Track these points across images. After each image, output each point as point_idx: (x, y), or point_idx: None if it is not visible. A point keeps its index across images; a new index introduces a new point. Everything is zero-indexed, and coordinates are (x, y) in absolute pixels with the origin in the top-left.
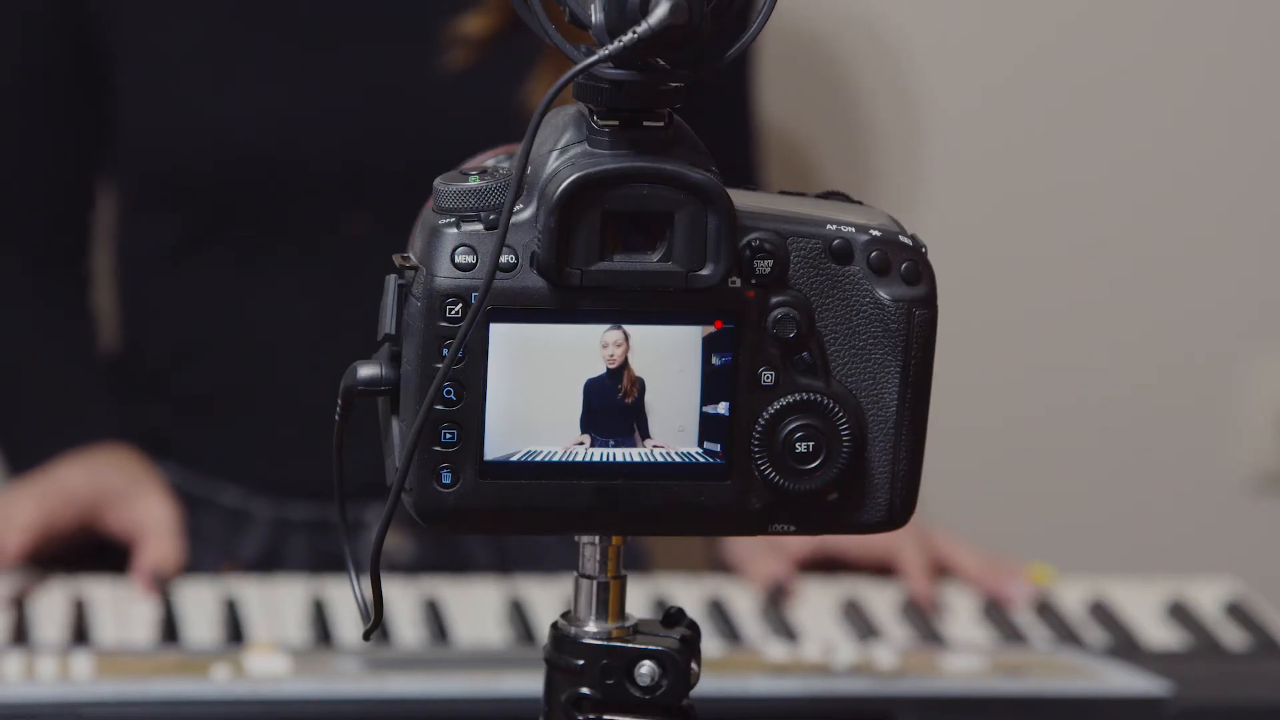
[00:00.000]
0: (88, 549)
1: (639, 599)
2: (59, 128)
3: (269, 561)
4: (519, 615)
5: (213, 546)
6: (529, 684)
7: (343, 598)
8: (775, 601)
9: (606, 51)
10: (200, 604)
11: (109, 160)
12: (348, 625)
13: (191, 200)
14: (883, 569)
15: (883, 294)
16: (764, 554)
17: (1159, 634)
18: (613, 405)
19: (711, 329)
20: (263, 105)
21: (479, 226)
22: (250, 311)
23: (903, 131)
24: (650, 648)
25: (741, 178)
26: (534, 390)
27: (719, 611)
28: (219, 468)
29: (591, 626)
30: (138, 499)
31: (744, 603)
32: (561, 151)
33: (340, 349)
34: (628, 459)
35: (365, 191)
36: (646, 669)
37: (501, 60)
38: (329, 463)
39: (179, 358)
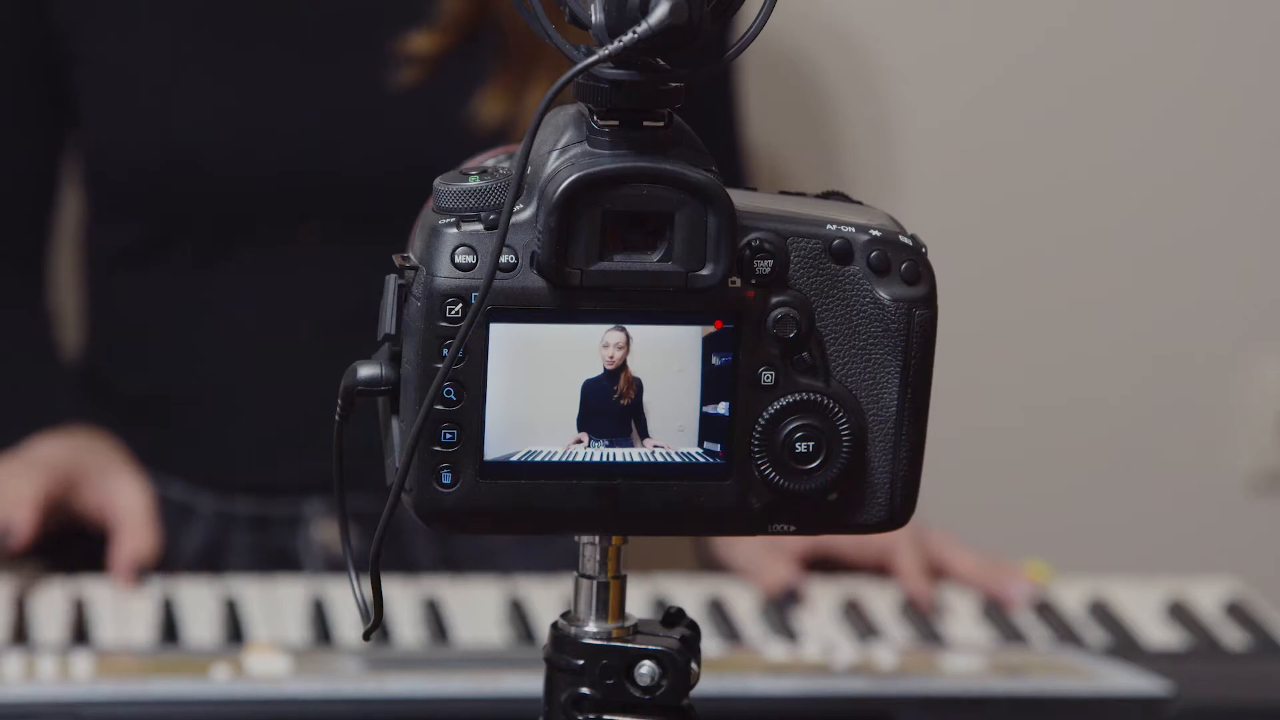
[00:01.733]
0: (87, 547)
1: (639, 599)
2: (22, 130)
3: (211, 555)
4: (519, 615)
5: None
6: (529, 684)
7: (342, 598)
8: (783, 605)
9: (606, 51)
10: (200, 604)
11: (73, 165)
12: (348, 625)
13: (147, 207)
14: (879, 570)
15: (883, 294)
16: (771, 558)
17: (1159, 634)
18: (611, 405)
19: (711, 329)
20: (217, 114)
21: (479, 226)
22: (199, 313)
23: (880, 138)
24: (650, 648)
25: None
26: (534, 390)
27: (719, 611)
28: (165, 462)
29: (591, 626)
30: (112, 479)
31: (744, 603)
32: (561, 151)
33: (285, 350)
34: (628, 459)
35: (316, 200)
36: (646, 669)
37: (450, 74)
38: (272, 459)
39: (131, 357)
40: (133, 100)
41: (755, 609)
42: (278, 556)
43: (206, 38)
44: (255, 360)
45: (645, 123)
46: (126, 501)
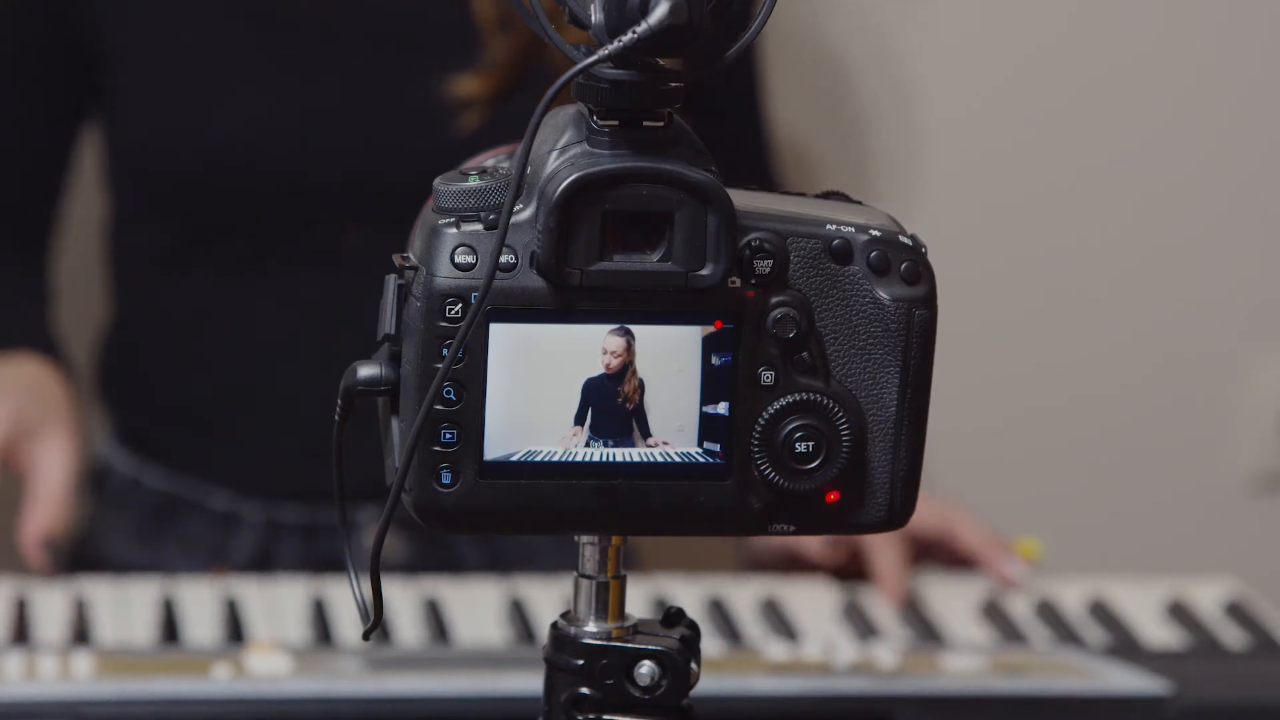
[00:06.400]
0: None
1: (639, 599)
2: (37, 119)
3: (261, 564)
4: (519, 615)
5: (204, 549)
6: (529, 684)
7: (343, 598)
8: (780, 606)
9: (606, 51)
10: (200, 604)
11: (99, 168)
12: (348, 625)
13: (185, 208)
14: (851, 573)
15: (882, 294)
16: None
17: (1159, 634)
18: (612, 405)
19: (711, 329)
20: (256, 115)
21: (479, 226)
22: (242, 318)
23: (901, 132)
24: (650, 648)
25: (756, 176)
26: (534, 390)
27: (719, 611)
28: (209, 471)
29: (591, 626)
30: (42, 443)
31: (744, 603)
32: (561, 151)
33: (331, 355)
34: (627, 459)
35: (357, 200)
36: (646, 669)
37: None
38: (321, 466)
39: (170, 362)
40: (172, 102)
41: (755, 609)
42: (328, 565)
43: (244, 36)
44: (299, 365)
45: (645, 123)
46: (46, 472)
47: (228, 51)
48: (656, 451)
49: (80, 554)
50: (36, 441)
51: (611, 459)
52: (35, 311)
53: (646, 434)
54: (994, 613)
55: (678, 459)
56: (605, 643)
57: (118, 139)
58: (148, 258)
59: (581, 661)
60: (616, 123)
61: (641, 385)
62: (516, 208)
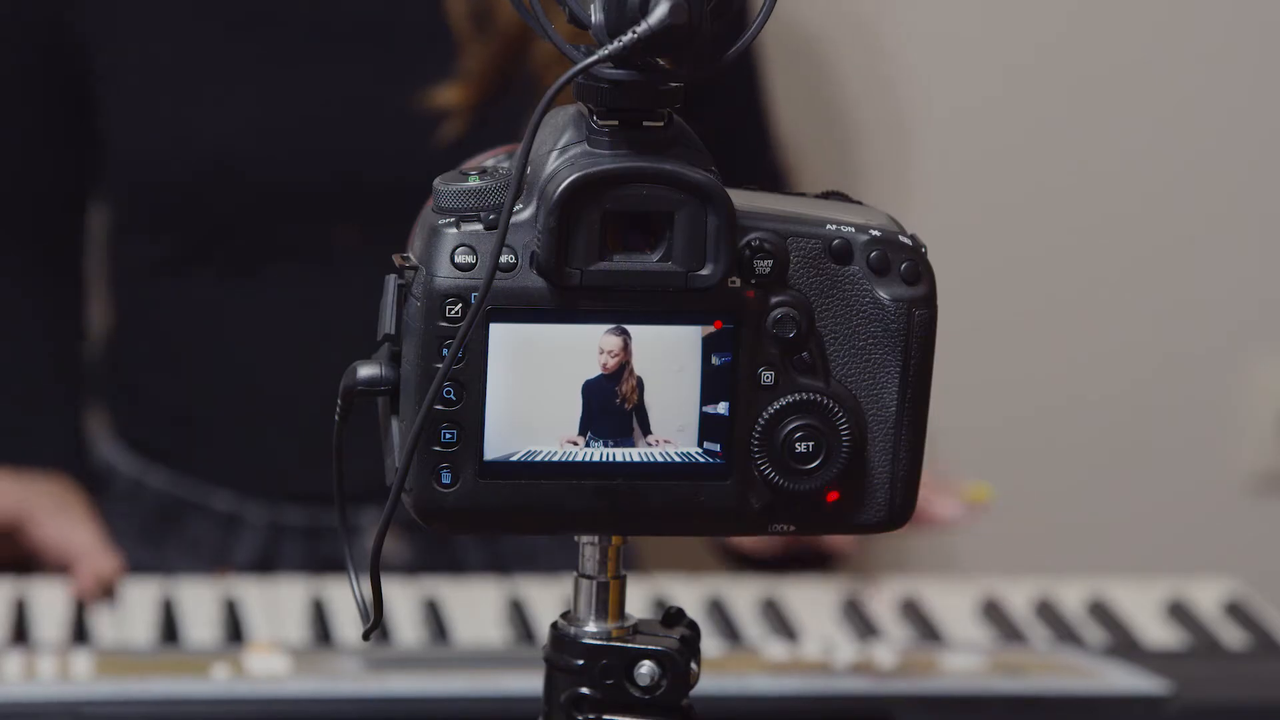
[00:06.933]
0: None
1: (639, 599)
2: (44, 137)
3: (264, 566)
4: (519, 615)
5: (206, 551)
6: (529, 684)
7: (343, 598)
8: (780, 605)
9: (606, 51)
10: (200, 604)
11: (99, 177)
12: (348, 625)
13: (179, 216)
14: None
15: (882, 294)
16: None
17: (1159, 634)
18: (612, 406)
19: (711, 329)
20: (247, 120)
21: (479, 226)
22: (240, 320)
23: (894, 132)
24: (650, 648)
25: (758, 175)
26: (534, 390)
27: (719, 611)
28: (211, 473)
29: (591, 626)
30: (65, 520)
31: (744, 602)
32: (561, 151)
33: (331, 356)
34: (627, 459)
35: (351, 202)
36: (646, 669)
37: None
38: (323, 467)
39: (171, 367)
40: (162, 111)
41: (755, 609)
42: (331, 567)
43: (234, 43)
44: (298, 366)
45: (645, 123)
46: (83, 537)
47: (214, 60)
48: (656, 451)
49: None
50: (45, 525)
51: (611, 459)
52: (68, 424)
53: (647, 434)
54: (993, 612)
55: (678, 459)
56: (605, 643)
57: (111, 153)
58: (145, 264)
59: (581, 661)
60: (616, 123)
61: (640, 385)
62: (516, 208)
